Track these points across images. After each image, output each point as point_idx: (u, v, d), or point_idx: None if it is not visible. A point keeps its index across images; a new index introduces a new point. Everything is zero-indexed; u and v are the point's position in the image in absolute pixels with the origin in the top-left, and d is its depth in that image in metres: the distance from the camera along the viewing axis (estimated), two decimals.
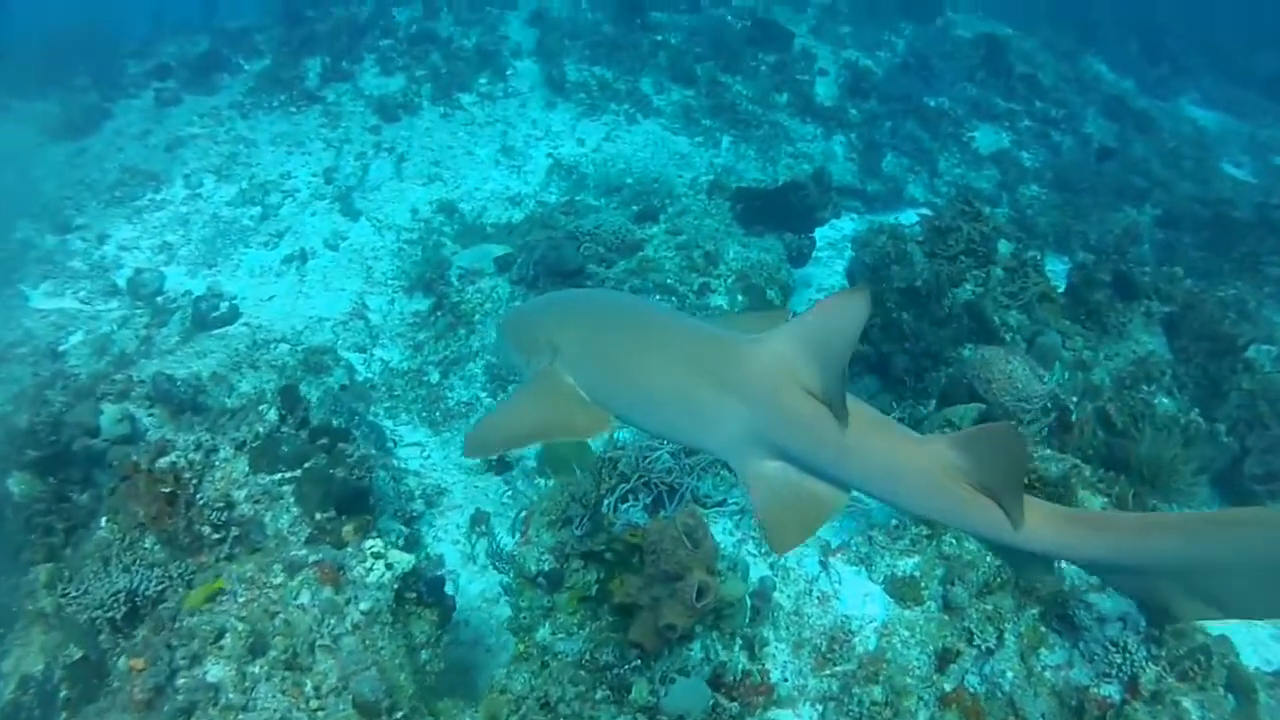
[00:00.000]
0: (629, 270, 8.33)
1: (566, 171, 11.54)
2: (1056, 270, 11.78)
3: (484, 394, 8.07)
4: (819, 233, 10.72)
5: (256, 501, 4.83)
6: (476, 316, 8.60)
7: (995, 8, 20.14)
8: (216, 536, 4.63)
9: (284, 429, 5.50)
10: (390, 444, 7.40)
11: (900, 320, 8.17)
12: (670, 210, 9.83)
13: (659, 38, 14.43)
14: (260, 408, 5.56)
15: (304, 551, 4.38)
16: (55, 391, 6.71)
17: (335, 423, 6.85)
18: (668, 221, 9.47)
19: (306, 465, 5.15)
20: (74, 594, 4.60)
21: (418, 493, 6.66)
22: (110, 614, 4.47)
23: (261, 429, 5.34)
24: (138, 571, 4.60)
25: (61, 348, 8.91)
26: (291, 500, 4.82)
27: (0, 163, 11.74)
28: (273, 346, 8.45)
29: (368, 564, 4.31)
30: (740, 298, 8.41)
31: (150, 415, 6.75)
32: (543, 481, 6.70)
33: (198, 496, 4.75)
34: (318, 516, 4.82)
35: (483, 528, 6.43)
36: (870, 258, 8.68)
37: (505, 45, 13.71)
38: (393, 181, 11.29)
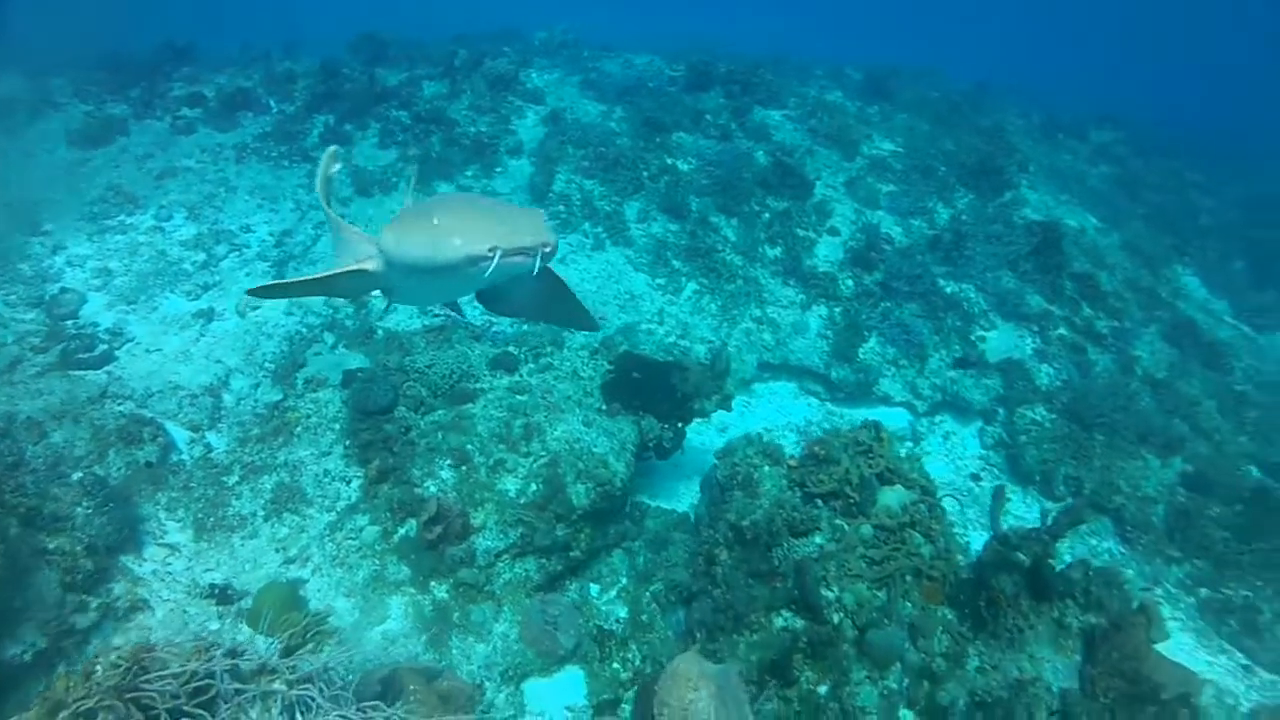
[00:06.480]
0: (436, 424, 8.71)
1: None
2: (1028, 518, 11.07)
3: (262, 514, 8.54)
4: (729, 418, 10.71)
5: None
6: (298, 429, 9.31)
7: (1086, 196, 19.82)
8: None
9: None
10: (142, 538, 8.24)
11: (717, 559, 7.72)
12: (541, 361, 9.73)
13: (669, 161, 14.79)
14: None
15: None
16: None
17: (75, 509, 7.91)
18: (526, 374, 9.51)
19: None
20: None
21: (99, 603, 7.09)
22: None
23: None
24: None
25: None
26: None
27: (18, 159, 13.61)
28: (114, 403, 9.55)
29: None
30: (534, 485, 8.21)
31: None
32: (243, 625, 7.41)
33: None
34: None
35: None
36: (724, 472, 8.32)
37: (506, 140, 14.59)
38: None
